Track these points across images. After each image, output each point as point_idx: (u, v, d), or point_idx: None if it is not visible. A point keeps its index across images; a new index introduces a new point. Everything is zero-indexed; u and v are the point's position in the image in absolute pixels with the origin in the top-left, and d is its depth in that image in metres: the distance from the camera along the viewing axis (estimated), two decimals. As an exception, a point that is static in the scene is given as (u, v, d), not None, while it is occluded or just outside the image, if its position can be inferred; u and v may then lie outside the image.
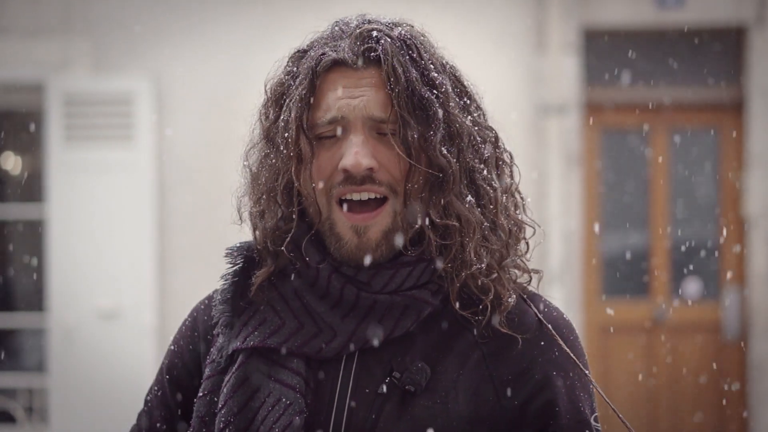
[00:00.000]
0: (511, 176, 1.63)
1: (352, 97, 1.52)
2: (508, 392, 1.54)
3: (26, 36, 6.66)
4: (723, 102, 6.75)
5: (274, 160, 1.57)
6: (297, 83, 1.55)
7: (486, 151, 1.58)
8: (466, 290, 1.56)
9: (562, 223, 6.47)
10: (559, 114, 6.50)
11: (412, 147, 1.51)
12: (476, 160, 1.56)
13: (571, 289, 6.50)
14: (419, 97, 1.51)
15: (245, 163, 1.63)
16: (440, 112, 1.52)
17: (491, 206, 1.57)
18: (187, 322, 1.71)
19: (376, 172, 1.52)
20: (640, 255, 6.83)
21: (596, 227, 6.77)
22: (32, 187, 6.92)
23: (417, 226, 1.53)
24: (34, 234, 6.78)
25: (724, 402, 6.73)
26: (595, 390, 1.60)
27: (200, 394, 1.59)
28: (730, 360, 6.73)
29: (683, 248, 6.78)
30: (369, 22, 1.57)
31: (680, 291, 6.81)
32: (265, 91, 1.60)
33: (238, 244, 1.64)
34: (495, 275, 1.56)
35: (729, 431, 6.75)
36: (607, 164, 6.85)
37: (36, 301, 6.83)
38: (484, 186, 1.56)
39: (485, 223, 1.55)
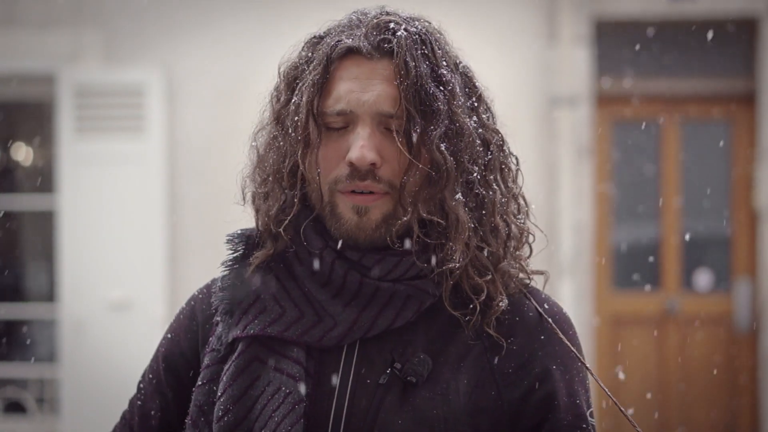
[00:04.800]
0: (515, 181, 1.63)
1: (362, 91, 1.52)
2: (509, 385, 1.55)
3: (38, 27, 6.67)
4: (735, 94, 6.73)
5: (281, 143, 1.57)
6: (311, 68, 1.55)
7: (489, 154, 1.58)
8: (460, 290, 1.56)
9: (573, 215, 6.46)
10: (570, 106, 6.48)
11: (413, 142, 1.51)
12: (474, 161, 1.56)
13: (582, 281, 6.50)
14: (425, 92, 1.51)
15: (253, 144, 1.64)
16: (443, 109, 1.52)
17: (488, 208, 1.58)
18: (185, 311, 1.70)
19: (379, 168, 1.52)
20: (651, 247, 6.82)
21: (607, 219, 6.77)
22: (43, 179, 6.93)
23: (405, 219, 1.53)
24: (45, 225, 6.80)
25: (735, 394, 6.72)
26: (596, 384, 1.61)
27: (199, 383, 1.59)
28: (741, 352, 6.72)
29: (694, 240, 6.77)
30: (387, 13, 1.57)
31: (691, 283, 6.80)
32: (279, 74, 1.61)
33: (239, 231, 1.64)
34: (489, 277, 1.56)
35: (740, 423, 6.74)
36: (618, 156, 6.84)
37: (47, 292, 6.85)
38: (481, 188, 1.57)
39: (470, 224, 1.55)
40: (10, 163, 7.28)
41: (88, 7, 6.66)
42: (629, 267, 6.87)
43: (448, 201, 1.54)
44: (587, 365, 1.61)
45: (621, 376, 6.45)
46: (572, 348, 1.59)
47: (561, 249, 6.38)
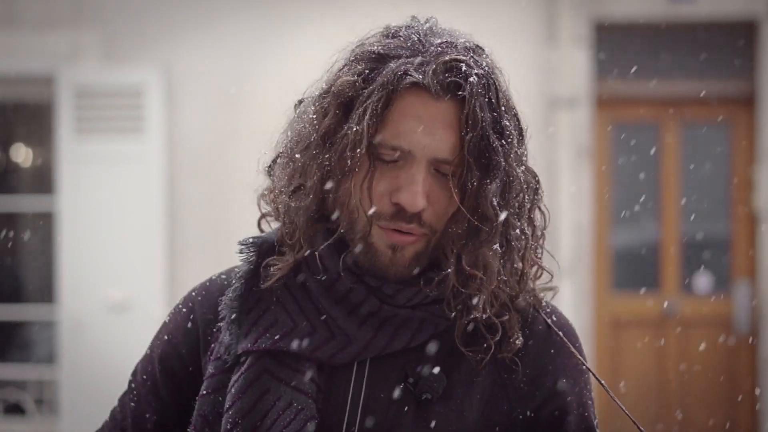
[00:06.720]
0: (545, 219, 1.60)
1: (425, 133, 1.45)
2: (521, 399, 1.53)
3: (37, 28, 6.66)
4: (734, 96, 6.73)
5: (327, 164, 1.49)
6: (370, 93, 1.46)
7: (526, 200, 1.54)
8: (475, 326, 1.53)
9: (573, 217, 6.46)
10: (570, 107, 6.48)
11: (467, 193, 1.46)
12: (517, 212, 1.52)
13: (582, 283, 6.49)
14: (487, 145, 1.45)
15: (289, 141, 1.56)
16: (502, 163, 1.47)
17: (517, 254, 1.54)
18: (182, 312, 1.65)
19: (424, 212, 1.47)
20: (650, 249, 6.82)
21: (607, 221, 6.76)
22: (42, 179, 6.93)
23: (449, 271, 1.49)
24: (45, 226, 6.79)
25: (734, 396, 6.72)
26: (605, 392, 1.59)
27: (204, 392, 1.55)
28: (741, 354, 6.72)
29: (694, 242, 6.77)
30: (452, 46, 1.49)
31: (691, 285, 6.79)
32: (331, 86, 1.51)
33: (251, 239, 1.58)
34: (506, 317, 1.54)
35: (739, 426, 6.73)
36: (618, 158, 6.83)
37: (46, 292, 6.84)
38: (517, 237, 1.53)
39: (502, 276, 1.52)
40: (9, 164, 7.28)
41: (87, 7, 6.66)
42: (629, 269, 6.86)
43: (486, 254, 1.49)
44: (602, 381, 1.59)
45: (622, 385, 6.45)
46: (584, 362, 1.58)
47: (560, 250, 6.37)
